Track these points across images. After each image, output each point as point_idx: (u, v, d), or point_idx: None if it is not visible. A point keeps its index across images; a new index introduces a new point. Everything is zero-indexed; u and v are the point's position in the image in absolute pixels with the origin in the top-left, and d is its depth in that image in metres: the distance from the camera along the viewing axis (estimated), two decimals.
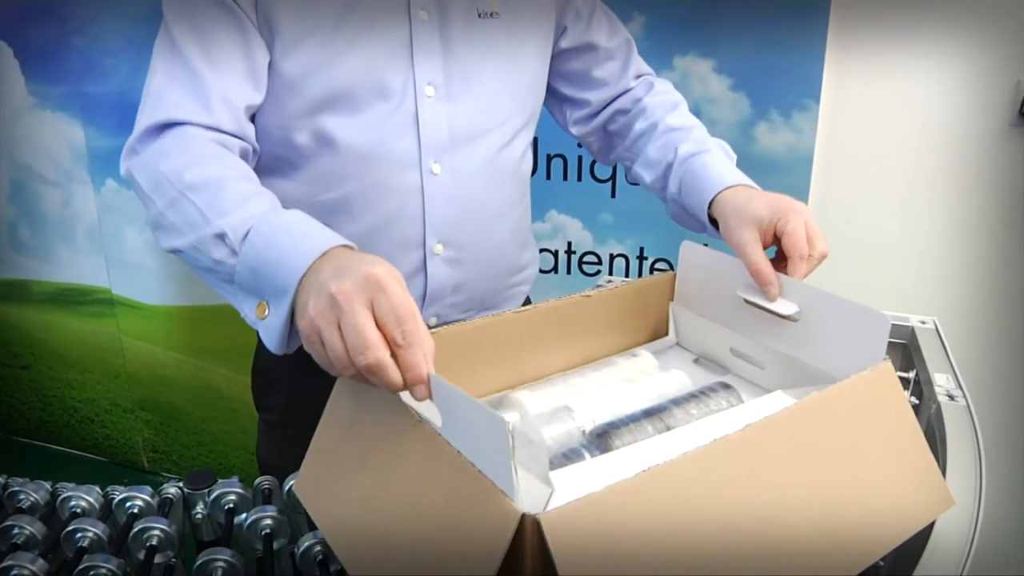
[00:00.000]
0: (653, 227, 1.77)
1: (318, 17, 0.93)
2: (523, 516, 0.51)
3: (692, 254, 0.96)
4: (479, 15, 1.00)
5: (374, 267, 0.64)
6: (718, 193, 0.98)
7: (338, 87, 0.95)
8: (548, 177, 1.76)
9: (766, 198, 0.93)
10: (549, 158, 1.77)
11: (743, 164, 1.63)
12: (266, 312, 0.74)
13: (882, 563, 0.80)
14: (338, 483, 0.71)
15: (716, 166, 1.02)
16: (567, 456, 0.71)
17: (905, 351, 1.23)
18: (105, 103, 2.19)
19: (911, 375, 1.14)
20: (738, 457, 0.61)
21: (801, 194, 1.62)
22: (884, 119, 1.57)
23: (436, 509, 0.59)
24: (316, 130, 0.97)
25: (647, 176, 1.12)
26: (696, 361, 0.97)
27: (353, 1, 0.94)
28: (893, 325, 1.25)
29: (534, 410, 0.80)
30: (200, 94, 0.89)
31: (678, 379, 0.86)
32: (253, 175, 0.86)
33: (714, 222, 1.00)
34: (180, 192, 0.81)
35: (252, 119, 0.96)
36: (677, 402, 0.79)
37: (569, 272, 1.87)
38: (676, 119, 1.12)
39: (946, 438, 0.92)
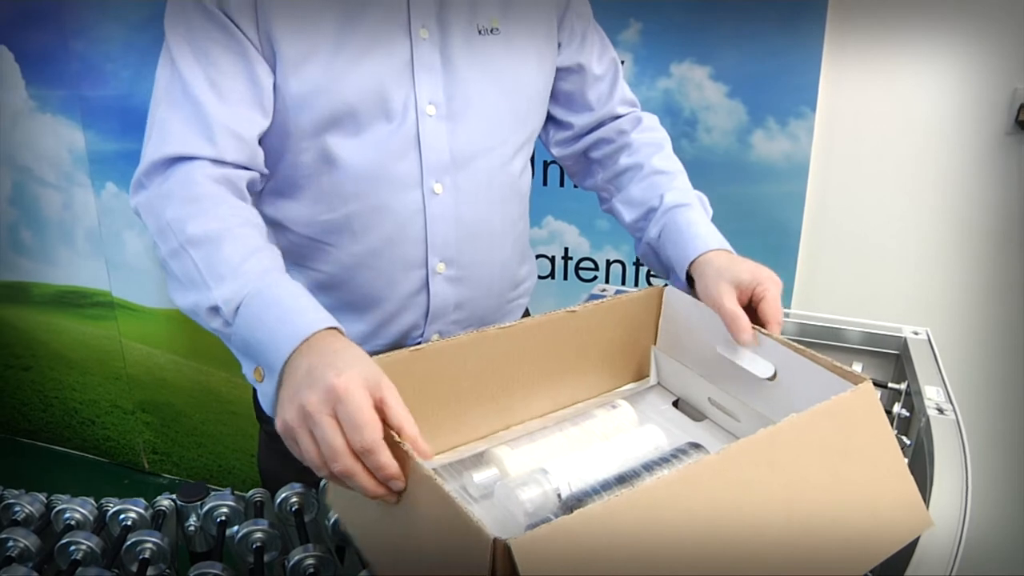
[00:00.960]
0: None
1: (319, 37, 0.93)
2: (495, 540, 0.52)
3: (676, 300, 0.98)
4: (479, 32, 1.00)
5: (340, 376, 0.67)
6: (702, 254, 1.00)
7: (340, 108, 0.94)
8: (545, 183, 1.77)
9: (747, 264, 0.96)
10: (546, 164, 1.77)
11: (739, 171, 1.65)
12: (262, 377, 0.76)
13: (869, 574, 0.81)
14: (359, 498, 0.72)
15: (701, 225, 1.05)
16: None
17: (898, 362, 1.24)
18: (105, 107, 2.19)
19: (903, 386, 1.14)
20: (712, 479, 0.61)
21: (797, 201, 1.62)
22: (880, 127, 1.57)
23: (426, 533, 0.64)
24: (319, 150, 0.97)
25: (626, 215, 1.13)
26: (676, 403, 0.98)
27: (354, 20, 0.94)
28: (886, 335, 1.26)
29: (512, 469, 0.82)
30: (205, 126, 0.89)
31: (653, 437, 0.87)
32: (256, 220, 0.87)
33: (690, 279, 1.01)
34: (181, 245, 0.82)
35: (260, 141, 0.96)
36: (649, 467, 0.80)
37: (566, 278, 1.87)
38: (662, 162, 1.13)
39: (934, 452, 0.93)
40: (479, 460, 0.85)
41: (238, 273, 0.79)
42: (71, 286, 2.50)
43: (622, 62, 1.66)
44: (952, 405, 1.01)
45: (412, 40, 0.96)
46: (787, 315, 1.34)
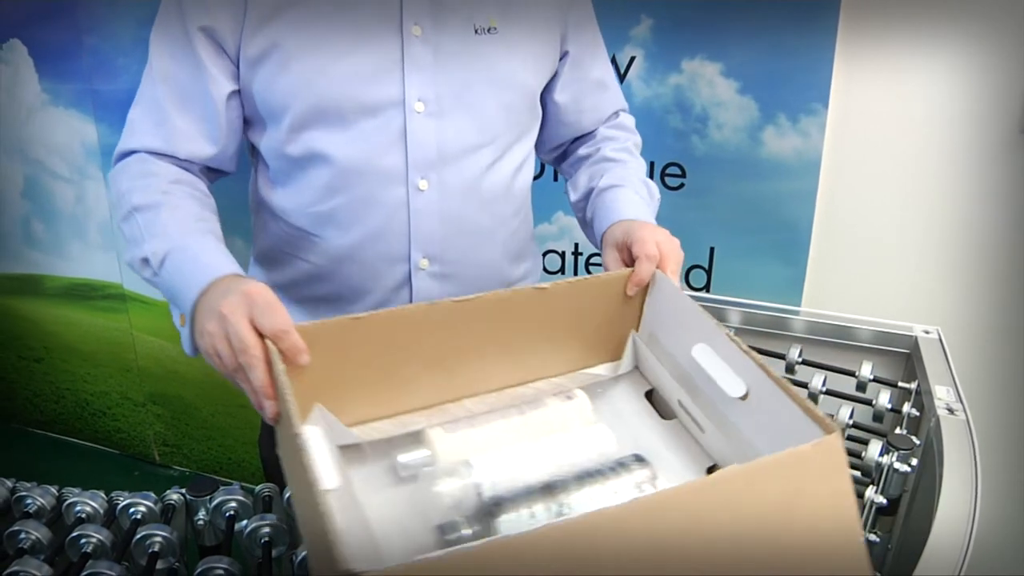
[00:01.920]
0: None
1: (309, 32, 0.95)
2: (347, 571, 0.51)
3: (664, 288, 0.91)
4: (476, 31, 1.00)
5: (248, 284, 0.79)
6: (609, 226, 1.02)
7: (326, 102, 0.97)
8: (555, 179, 1.76)
9: (625, 224, 0.98)
10: (544, 161, 1.77)
11: (750, 168, 1.64)
12: (184, 323, 0.88)
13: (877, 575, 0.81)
14: None
15: (621, 201, 1.06)
16: (443, 530, 0.70)
17: (908, 361, 1.23)
18: (117, 101, 2.20)
19: (913, 386, 1.14)
20: (620, 532, 0.56)
21: (808, 198, 1.62)
22: (892, 125, 1.56)
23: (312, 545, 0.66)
24: (306, 144, 1.00)
25: (572, 195, 1.18)
26: (649, 394, 0.93)
27: (345, 16, 0.95)
28: (896, 334, 1.25)
29: (443, 454, 0.79)
30: (165, 135, 1.00)
31: (599, 442, 0.82)
32: (198, 194, 0.99)
33: None
34: (129, 211, 0.95)
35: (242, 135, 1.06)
36: (581, 477, 0.75)
37: (576, 273, 1.87)
38: (613, 151, 1.16)
39: (943, 452, 0.93)
40: (414, 439, 0.82)
41: (168, 232, 0.91)
42: (83, 279, 2.51)
43: (632, 58, 1.66)
44: (962, 405, 1.01)
45: (404, 37, 0.97)
46: (797, 313, 1.34)
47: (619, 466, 0.77)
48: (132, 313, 2.45)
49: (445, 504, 0.72)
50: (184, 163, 1.01)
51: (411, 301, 1.06)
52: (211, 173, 1.07)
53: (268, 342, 0.75)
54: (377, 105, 0.98)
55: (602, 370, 0.94)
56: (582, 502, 0.72)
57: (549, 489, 0.73)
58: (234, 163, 1.08)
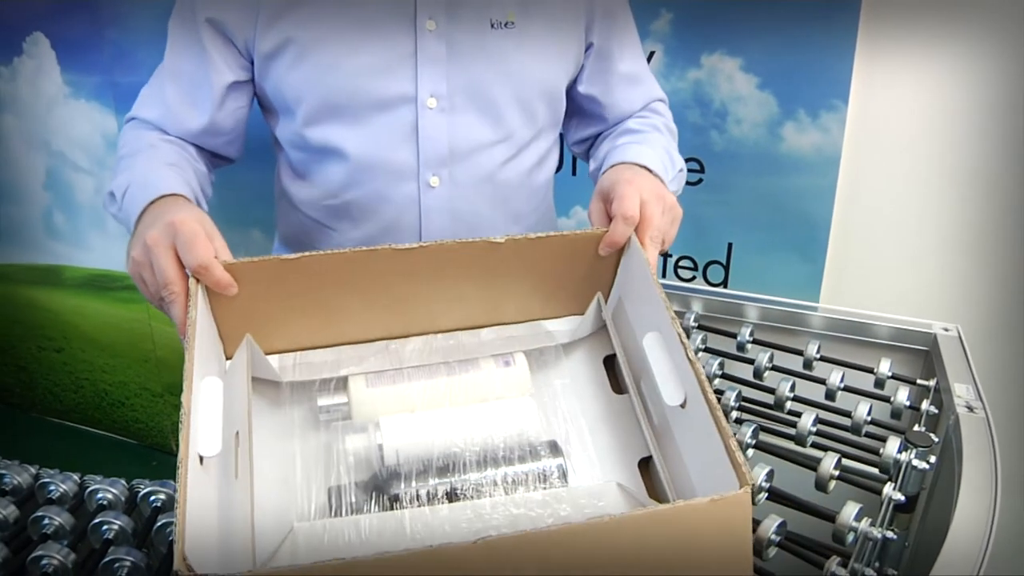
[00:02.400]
0: None
1: (322, 27, 0.96)
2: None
3: (633, 258, 0.84)
4: (492, 25, 1.00)
5: (178, 214, 0.79)
6: (605, 171, 0.98)
7: (339, 96, 0.97)
8: (573, 173, 1.77)
9: (620, 173, 0.92)
10: (575, 154, 1.77)
11: (769, 163, 1.63)
12: None
13: (895, 573, 0.81)
14: None
15: (626, 148, 1.01)
16: (332, 493, 0.71)
17: (927, 358, 1.23)
18: (137, 93, 2.21)
19: (932, 383, 1.13)
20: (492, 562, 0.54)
21: (827, 195, 1.61)
22: (913, 121, 1.55)
23: None
24: (320, 137, 1.01)
25: (592, 165, 1.12)
26: (609, 359, 0.87)
27: (357, 11, 0.95)
28: (915, 331, 1.25)
29: (358, 407, 0.79)
30: (160, 106, 1.05)
31: (520, 420, 0.79)
32: (183, 152, 1.01)
33: None
34: (119, 159, 1.01)
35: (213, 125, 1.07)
36: (482, 463, 0.74)
37: None
38: (638, 123, 1.11)
39: (963, 449, 0.92)
40: (336, 385, 0.81)
41: (134, 167, 0.95)
42: (103, 270, 2.53)
43: (652, 53, 1.66)
44: (982, 403, 1.01)
45: (417, 32, 0.97)
46: (815, 309, 1.34)
47: (530, 453, 0.75)
48: (150, 304, 2.48)
49: (347, 463, 0.74)
50: (176, 140, 1.05)
51: None
52: (211, 157, 1.09)
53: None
54: (389, 100, 0.98)
55: (559, 324, 0.89)
56: (477, 485, 0.73)
57: (447, 468, 0.73)
58: (235, 149, 1.10)
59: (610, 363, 0.88)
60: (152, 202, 0.86)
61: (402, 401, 0.80)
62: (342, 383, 0.81)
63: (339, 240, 1.07)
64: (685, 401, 0.72)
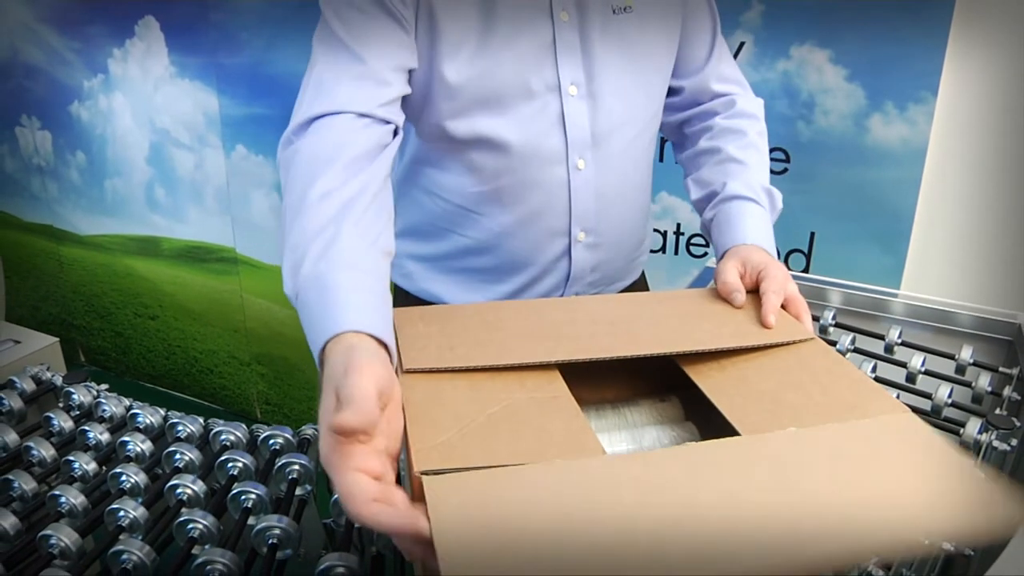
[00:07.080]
0: None
1: (467, 25, 0.99)
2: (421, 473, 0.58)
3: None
4: (614, 11, 1.04)
5: (346, 380, 0.62)
6: (735, 246, 1.01)
7: (490, 90, 1.00)
8: (660, 159, 1.80)
9: (765, 255, 0.97)
10: (662, 140, 1.80)
11: (855, 155, 1.65)
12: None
13: (972, 552, 0.83)
14: None
15: (750, 219, 1.05)
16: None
17: (1010, 348, 1.24)
18: (238, 73, 2.33)
19: (1014, 371, 1.15)
20: (688, 463, 0.61)
21: (912, 188, 1.62)
22: (1001, 116, 1.55)
23: None
24: (470, 129, 1.03)
25: (694, 192, 1.15)
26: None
27: (498, 7, 0.99)
28: (999, 321, 1.26)
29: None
30: (357, 79, 0.91)
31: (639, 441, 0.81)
32: (371, 189, 0.85)
33: None
34: (286, 207, 0.83)
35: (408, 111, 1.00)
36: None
37: (676, 253, 1.91)
38: (739, 151, 1.12)
39: None
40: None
41: (306, 263, 0.77)
42: (198, 241, 2.66)
43: (742, 43, 1.69)
44: None
45: (554, 23, 1.01)
46: (897, 296, 1.36)
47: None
48: (243, 276, 2.59)
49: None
50: (373, 123, 0.91)
51: (570, 271, 1.12)
52: (393, 140, 0.95)
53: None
54: (537, 90, 1.02)
55: None
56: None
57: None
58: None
59: None
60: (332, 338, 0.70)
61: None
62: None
63: (487, 224, 1.10)
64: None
